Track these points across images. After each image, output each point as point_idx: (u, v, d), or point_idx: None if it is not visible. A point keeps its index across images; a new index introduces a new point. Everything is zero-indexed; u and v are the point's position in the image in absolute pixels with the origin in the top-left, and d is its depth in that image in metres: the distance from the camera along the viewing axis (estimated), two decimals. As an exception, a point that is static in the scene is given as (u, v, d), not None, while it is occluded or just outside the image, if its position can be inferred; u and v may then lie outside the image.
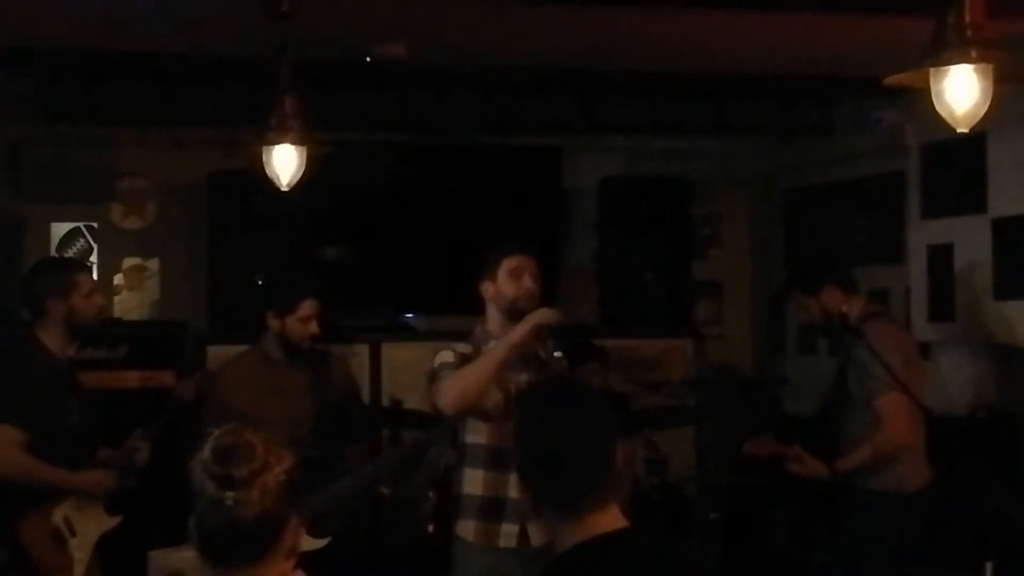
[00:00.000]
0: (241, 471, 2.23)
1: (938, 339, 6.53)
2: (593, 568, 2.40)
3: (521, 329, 4.06)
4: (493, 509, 4.18)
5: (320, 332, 4.94)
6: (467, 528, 4.25)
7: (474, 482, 4.24)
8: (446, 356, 4.22)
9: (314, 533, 4.62)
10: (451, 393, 4.10)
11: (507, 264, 4.26)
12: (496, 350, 4.08)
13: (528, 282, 4.23)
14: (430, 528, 6.04)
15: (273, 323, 4.91)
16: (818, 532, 5.42)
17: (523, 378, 4.18)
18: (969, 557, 5.08)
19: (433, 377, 4.21)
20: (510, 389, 4.16)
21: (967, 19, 3.28)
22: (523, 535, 4.15)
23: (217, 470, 2.23)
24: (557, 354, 4.26)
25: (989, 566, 4.56)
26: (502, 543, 4.18)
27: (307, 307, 4.89)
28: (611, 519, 2.46)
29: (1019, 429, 5.89)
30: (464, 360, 4.16)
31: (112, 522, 4.77)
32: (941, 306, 6.50)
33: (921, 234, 6.70)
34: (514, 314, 4.16)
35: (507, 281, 4.23)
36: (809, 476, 4.85)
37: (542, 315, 4.10)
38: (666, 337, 7.68)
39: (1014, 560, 4.80)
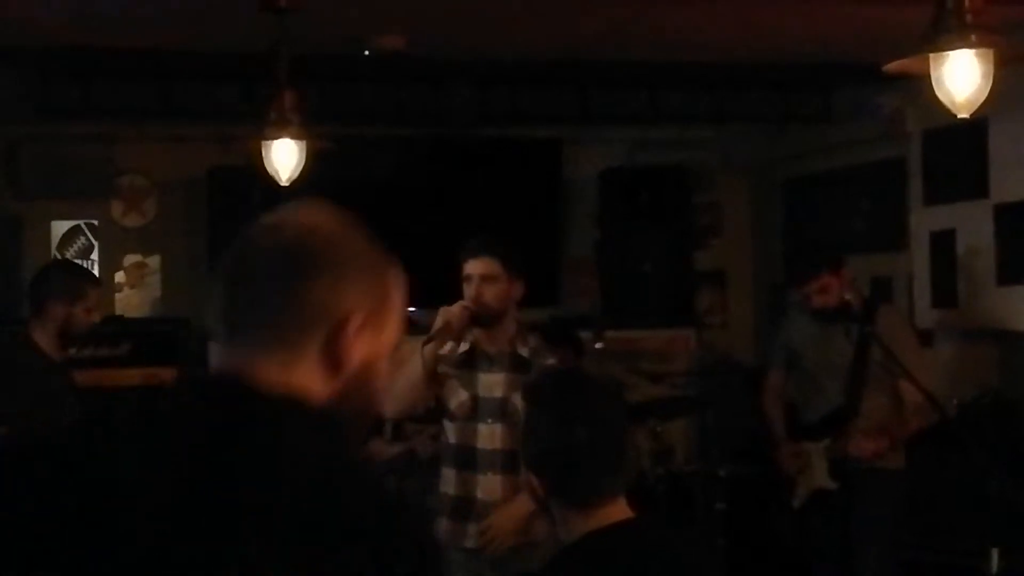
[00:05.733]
0: None
1: (941, 325, 6.52)
2: (600, 557, 2.39)
3: (434, 332, 4.10)
4: (462, 509, 4.17)
5: None
6: (440, 526, 4.22)
7: (448, 481, 4.24)
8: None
9: None
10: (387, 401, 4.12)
11: (464, 270, 4.22)
12: (414, 354, 4.11)
13: (475, 287, 4.15)
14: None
15: None
16: (821, 522, 5.40)
17: (499, 378, 4.17)
18: (974, 544, 5.08)
19: None
20: (476, 390, 4.18)
21: (967, 3, 3.27)
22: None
23: None
24: (536, 353, 4.23)
25: (995, 552, 4.56)
26: (467, 543, 4.14)
27: None
28: (619, 511, 2.45)
29: (1023, 415, 5.88)
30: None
31: None
32: (944, 292, 6.49)
33: (923, 220, 6.69)
34: (474, 319, 4.16)
35: (465, 286, 4.20)
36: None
37: (443, 313, 4.12)
38: (668, 328, 7.67)
39: (1019, 546, 4.79)
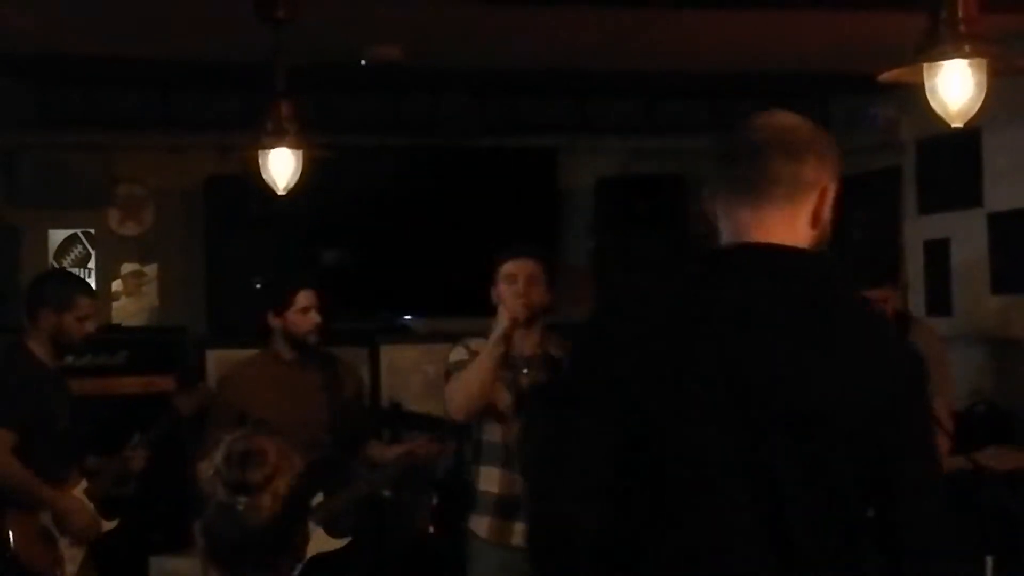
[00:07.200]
0: (254, 476, 2.23)
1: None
2: None
3: (496, 331, 4.10)
4: (508, 507, 4.21)
5: (323, 322, 4.90)
6: (481, 524, 4.28)
7: (490, 479, 4.27)
8: (460, 354, 4.29)
9: (333, 533, 4.63)
10: (455, 401, 4.22)
11: (503, 270, 4.27)
12: (483, 354, 4.13)
13: (521, 287, 4.22)
14: (431, 529, 6.05)
15: (275, 322, 4.87)
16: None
17: (533, 377, 4.22)
18: (968, 552, 5.09)
19: (447, 375, 4.30)
20: (521, 389, 4.21)
21: (960, 14, 3.29)
22: None
23: (230, 475, 2.23)
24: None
25: (989, 560, 4.57)
26: (515, 541, 4.20)
27: (303, 298, 4.85)
28: None
29: (1017, 422, 5.89)
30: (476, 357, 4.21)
31: (107, 526, 4.77)
32: (938, 300, 6.50)
33: (918, 229, 6.71)
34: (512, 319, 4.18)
35: (503, 287, 4.24)
36: None
37: (509, 311, 4.13)
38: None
39: (1014, 554, 4.81)
